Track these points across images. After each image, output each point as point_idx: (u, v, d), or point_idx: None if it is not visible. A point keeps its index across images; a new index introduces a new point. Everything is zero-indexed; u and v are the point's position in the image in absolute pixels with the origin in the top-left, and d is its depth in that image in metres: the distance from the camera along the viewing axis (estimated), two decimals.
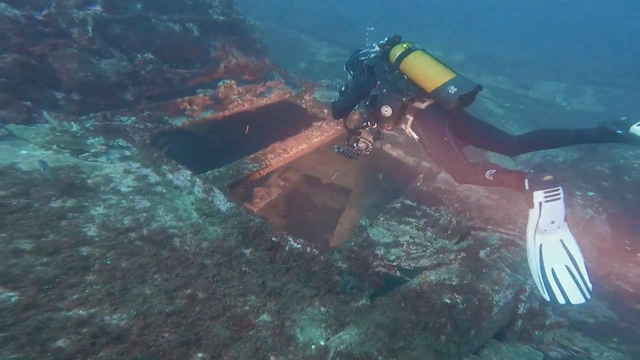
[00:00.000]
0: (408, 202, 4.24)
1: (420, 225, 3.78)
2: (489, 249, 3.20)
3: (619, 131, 2.23)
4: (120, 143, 3.60)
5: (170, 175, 3.44)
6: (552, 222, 2.20)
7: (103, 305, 2.22)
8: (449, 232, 3.62)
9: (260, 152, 4.53)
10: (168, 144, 5.54)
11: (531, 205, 2.20)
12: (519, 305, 2.96)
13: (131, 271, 2.48)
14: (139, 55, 4.54)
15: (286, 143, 4.93)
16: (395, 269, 3.28)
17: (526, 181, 2.21)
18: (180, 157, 5.69)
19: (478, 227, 3.54)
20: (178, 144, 5.81)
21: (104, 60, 4.15)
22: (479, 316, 2.75)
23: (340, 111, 3.29)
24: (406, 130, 2.87)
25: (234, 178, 3.87)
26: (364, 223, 5.90)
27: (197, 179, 3.48)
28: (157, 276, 2.53)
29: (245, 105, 5.46)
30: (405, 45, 2.80)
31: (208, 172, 3.79)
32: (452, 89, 2.49)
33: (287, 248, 3.08)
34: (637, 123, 2.20)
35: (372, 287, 3.09)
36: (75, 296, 2.21)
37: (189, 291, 2.50)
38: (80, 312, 2.14)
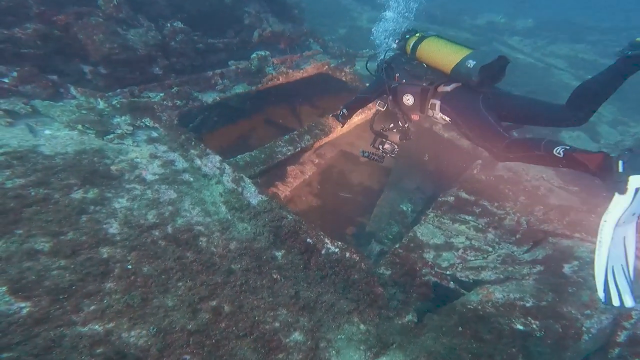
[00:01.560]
0: (463, 194, 3.52)
1: (480, 226, 3.10)
2: (576, 262, 2.47)
3: None
4: (147, 123, 3.20)
5: (198, 161, 3.02)
6: (633, 214, 1.87)
7: (121, 319, 1.91)
8: (517, 236, 2.92)
9: (295, 132, 3.97)
10: (200, 114, 5.12)
11: (623, 191, 1.78)
12: (619, 333, 2.28)
13: (153, 278, 2.14)
14: (168, 24, 4.00)
15: (324, 122, 4.30)
16: (449, 278, 2.70)
17: (620, 162, 1.81)
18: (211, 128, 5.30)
19: (560, 233, 2.78)
20: (211, 115, 5.38)
21: (131, 30, 3.67)
22: (563, 346, 2.13)
23: (354, 103, 3.16)
24: (436, 115, 2.61)
25: (267, 164, 3.38)
26: (405, 208, 5.26)
27: (227, 166, 3.03)
28: (180, 284, 2.17)
29: (280, 79, 4.83)
30: (418, 35, 2.69)
31: (239, 156, 3.33)
32: (471, 63, 2.27)
33: (323, 252, 2.60)
34: None
35: (420, 300, 2.58)
36: (92, 307, 1.91)
37: (214, 303, 2.13)
38: (96, 327, 1.84)
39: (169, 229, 2.44)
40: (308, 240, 2.65)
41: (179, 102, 3.45)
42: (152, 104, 3.35)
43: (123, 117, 3.16)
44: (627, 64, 1.99)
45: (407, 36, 2.77)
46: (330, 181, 6.00)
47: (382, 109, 3.07)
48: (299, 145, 3.82)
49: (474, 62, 2.26)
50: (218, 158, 3.07)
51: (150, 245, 2.30)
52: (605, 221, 1.86)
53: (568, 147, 2.00)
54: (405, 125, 2.98)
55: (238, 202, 2.78)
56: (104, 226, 2.30)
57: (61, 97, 3.15)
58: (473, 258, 2.81)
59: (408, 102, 2.67)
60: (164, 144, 3.05)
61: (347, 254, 2.60)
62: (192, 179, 2.86)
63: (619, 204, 1.80)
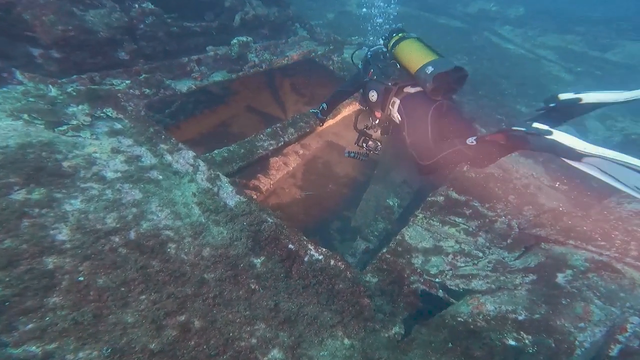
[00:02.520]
0: (454, 194, 3.38)
1: (470, 229, 2.97)
2: (570, 272, 2.37)
3: (552, 104, 2.16)
4: (110, 113, 2.85)
5: (168, 157, 2.72)
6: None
7: (67, 339, 1.65)
8: (508, 240, 2.80)
9: (278, 125, 3.70)
10: (178, 100, 4.74)
11: (550, 133, 1.91)
12: (612, 346, 2.19)
13: (110, 291, 1.88)
14: (136, 5, 3.59)
15: (309, 114, 4.04)
16: (438, 287, 2.56)
17: (527, 122, 2.01)
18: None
19: (553, 239, 2.67)
20: (189, 100, 5.01)
21: (90, 10, 3.25)
22: None
23: (333, 98, 3.26)
24: (394, 114, 2.67)
25: (247, 160, 3.12)
26: (391, 203, 5.11)
27: (201, 163, 2.75)
28: (143, 297, 1.92)
29: (264, 66, 4.51)
30: (400, 35, 2.73)
31: (215, 151, 3.05)
32: (429, 69, 2.36)
33: (306, 259, 2.40)
34: (563, 92, 2.15)
35: (407, 310, 2.43)
36: (29, 326, 1.64)
37: (182, 318, 1.90)
38: (33, 348, 1.58)
39: (132, 235, 2.16)
40: (290, 246, 2.44)
41: (147, 90, 3.10)
42: (115, 92, 2.99)
43: (80, 107, 2.80)
44: (547, 115, 2.15)
45: (393, 34, 2.80)
46: (315, 173, 5.78)
47: (364, 108, 3.14)
48: (282, 139, 3.57)
49: (432, 69, 2.32)
50: (192, 154, 2.78)
51: (108, 254, 2.02)
52: (585, 148, 1.79)
53: (475, 137, 2.18)
54: (375, 122, 3.00)
55: (213, 204, 2.53)
56: (51, 232, 2.00)
57: (5, 83, 2.76)
58: (463, 264, 2.68)
59: (372, 98, 2.73)
60: (129, 137, 2.72)
61: (332, 262, 2.42)
62: (161, 177, 2.57)
63: (567, 136, 1.86)
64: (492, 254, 2.73)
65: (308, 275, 2.33)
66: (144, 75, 3.19)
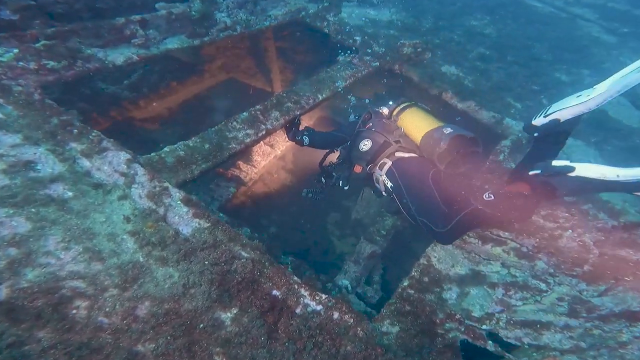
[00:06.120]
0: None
1: (524, 249, 2.25)
2: None
3: (535, 134, 2.26)
4: None
5: (85, 162, 1.92)
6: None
7: None
8: (585, 267, 2.09)
9: (258, 107, 2.89)
10: (140, 69, 3.96)
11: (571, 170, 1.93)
12: None
13: None
14: None
15: (299, 91, 3.24)
16: (486, 337, 1.88)
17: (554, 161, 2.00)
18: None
19: None
20: (153, 70, 4.20)
21: None
22: None
23: (323, 138, 3.03)
24: (380, 176, 2.57)
25: (214, 159, 2.33)
26: None
27: (140, 169, 1.96)
28: None
29: (238, 29, 3.62)
30: (407, 103, 2.73)
31: (165, 149, 2.24)
32: (448, 130, 2.31)
33: (298, 311, 1.71)
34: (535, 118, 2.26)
35: None
36: None
37: None
38: None
39: (2, 293, 1.43)
40: (274, 292, 1.75)
41: (52, 63, 2.24)
42: None
43: None
44: (542, 143, 2.18)
45: (400, 103, 2.78)
46: (309, 154, 5.10)
47: (333, 159, 3.07)
48: (263, 127, 2.78)
49: (451, 130, 2.29)
50: (124, 156, 1.99)
51: None
52: (618, 175, 1.77)
53: (492, 189, 2.12)
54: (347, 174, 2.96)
55: (157, 233, 1.80)
56: None
57: None
58: (520, 302, 1.98)
59: (364, 146, 2.64)
60: (16, 133, 1.90)
61: (336, 314, 1.73)
62: (70, 193, 1.79)
63: (590, 166, 1.86)
64: (560, 286, 2.03)
65: (301, 335, 1.68)
66: (42, 42, 2.30)
